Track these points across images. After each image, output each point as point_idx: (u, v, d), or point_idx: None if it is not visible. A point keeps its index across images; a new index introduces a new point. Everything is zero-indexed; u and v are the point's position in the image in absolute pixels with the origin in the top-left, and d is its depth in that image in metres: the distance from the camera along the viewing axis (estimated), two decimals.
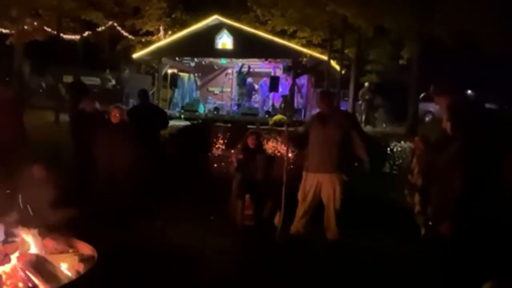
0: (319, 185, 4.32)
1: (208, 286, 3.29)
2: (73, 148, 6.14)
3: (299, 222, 4.44)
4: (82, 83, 8.04)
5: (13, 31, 16.66)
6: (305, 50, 15.74)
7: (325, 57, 15.40)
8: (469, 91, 15.11)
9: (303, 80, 16.72)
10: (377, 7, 11.33)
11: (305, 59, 15.46)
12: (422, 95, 15.89)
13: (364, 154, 4.21)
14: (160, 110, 7.54)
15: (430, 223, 3.97)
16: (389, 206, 5.30)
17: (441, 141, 4.10)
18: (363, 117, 16.06)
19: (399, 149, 8.14)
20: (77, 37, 19.41)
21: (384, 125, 15.92)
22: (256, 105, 16.55)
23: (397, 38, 15.84)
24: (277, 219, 4.82)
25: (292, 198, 4.52)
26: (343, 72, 16.23)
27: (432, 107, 14.68)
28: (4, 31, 16.65)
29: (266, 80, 16.58)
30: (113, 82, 18.63)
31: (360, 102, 16.48)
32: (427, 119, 16.27)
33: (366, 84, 16.72)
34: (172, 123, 7.68)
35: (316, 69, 16.95)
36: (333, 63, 15.98)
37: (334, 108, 4.51)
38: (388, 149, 8.24)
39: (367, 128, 15.73)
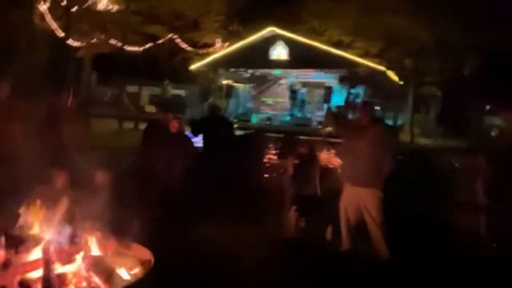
0: (357, 199, 4.21)
1: None
2: (141, 156, 6.47)
3: (347, 238, 4.34)
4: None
5: (83, 45, 17.93)
6: (361, 60, 15.49)
7: (382, 68, 15.05)
8: None
9: (358, 90, 16.43)
10: (436, 17, 10.92)
11: (361, 69, 15.21)
12: (487, 107, 15.01)
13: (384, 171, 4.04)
14: (229, 122, 7.88)
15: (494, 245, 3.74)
16: (448, 225, 5.05)
17: (510, 159, 3.85)
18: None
19: (460, 165, 7.73)
20: (139, 49, 20.46)
21: (442, 139, 15.24)
22: (309, 115, 16.47)
23: (458, 48, 15.14)
24: (329, 234, 4.74)
25: None
26: (401, 83, 15.76)
27: (499, 120, 13.83)
28: (75, 44, 17.95)
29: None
30: (172, 91, 19.41)
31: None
32: (493, 133, 15.32)
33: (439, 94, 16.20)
34: None
35: (373, 80, 16.59)
36: (390, 73, 15.58)
37: (373, 120, 4.35)
38: (450, 164, 7.85)
39: (425, 141, 15.12)
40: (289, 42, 15.57)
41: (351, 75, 15.23)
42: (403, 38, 14.06)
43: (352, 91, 15.48)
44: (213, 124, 6.89)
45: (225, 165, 6.34)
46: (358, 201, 4.20)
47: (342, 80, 16.10)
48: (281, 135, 10.17)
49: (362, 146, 4.15)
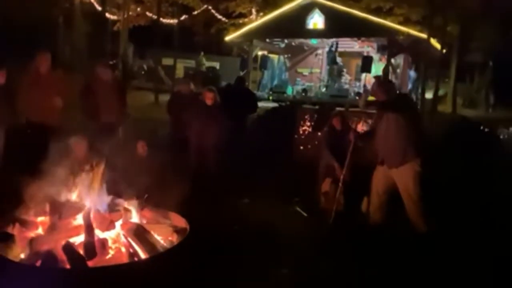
0: (390, 177, 4.04)
1: (289, 265, 3.32)
2: (169, 127, 6.58)
3: (376, 213, 4.22)
4: None
5: (119, 18, 18.18)
6: (401, 27, 14.78)
7: (424, 35, 14.32)
8: None
9: (398, 60, 15.79)
10: None
11: (401, 37, 14.53)
12: None
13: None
14: (250, 93, 7.71)
15: None
16: (494, 199, 4.85)
17: None
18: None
19: (506, 136, 7.35)
20: (175, 21, 20.45)
21: (490, 110, 14.51)
22: (346, 86, 16.06)
23: (505, 13, 14.13)
24: (365, 205, 4.67)
25: None
26: (444, 51, 14.99)
27: None
28: (112, 17, 18.21)
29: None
30: (206, 64, 19.40)
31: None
32: None
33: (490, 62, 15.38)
34: (260, 104, 7.81)
35: (414, 48, 15.87)
36: (433, 41, 14.80)
37: (392, 95, 4.04)
38: (495, 136, 7.47)
39: (468, 112, 14.45)
40: (325, 10, 15.06)
41: (391, 44, 14.59)
42: (446, 3, 13.24)
43: (392, 60, 14.90)
44: (229, 94, 6.83)
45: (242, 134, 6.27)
46: (389, 178, 4.07)
47: (381, 48, 15.50)
48: (317, 107, 10.02)
49: (386, 124, 3.98)
